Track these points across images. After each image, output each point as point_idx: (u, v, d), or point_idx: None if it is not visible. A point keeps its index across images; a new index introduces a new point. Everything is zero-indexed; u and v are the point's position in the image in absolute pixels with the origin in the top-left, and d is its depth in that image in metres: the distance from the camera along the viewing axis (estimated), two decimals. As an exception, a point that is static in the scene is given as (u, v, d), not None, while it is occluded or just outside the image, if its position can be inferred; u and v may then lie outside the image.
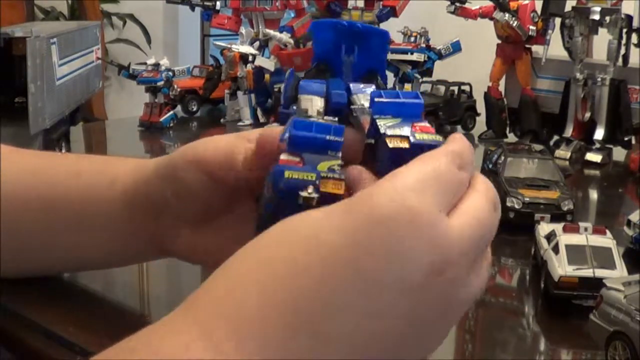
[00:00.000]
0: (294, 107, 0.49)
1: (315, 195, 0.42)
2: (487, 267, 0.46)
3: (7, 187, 0.63)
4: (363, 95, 0.48)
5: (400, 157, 0.43)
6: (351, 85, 0.49)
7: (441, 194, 0.41)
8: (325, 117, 0.46)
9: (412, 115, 0.46)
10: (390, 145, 0.43)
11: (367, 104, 0.47)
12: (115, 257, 0.67)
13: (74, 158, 0.75)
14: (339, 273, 0.38)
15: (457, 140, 0.45)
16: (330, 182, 0.43)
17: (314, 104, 0.47)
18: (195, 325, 0.38)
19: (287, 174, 0.42)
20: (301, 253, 0.39)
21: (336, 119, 0.46)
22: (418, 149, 0.43)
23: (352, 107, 0.47)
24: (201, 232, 0.60)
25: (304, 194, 0.42)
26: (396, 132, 0.44)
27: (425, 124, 0.45)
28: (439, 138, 0.44)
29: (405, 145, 0.43)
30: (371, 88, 0.49)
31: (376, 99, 0.46)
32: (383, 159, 0.44)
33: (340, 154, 0.44)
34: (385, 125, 0.45)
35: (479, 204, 0.44)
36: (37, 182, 0.64)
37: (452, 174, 0.43)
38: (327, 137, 0.43)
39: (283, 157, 0.43)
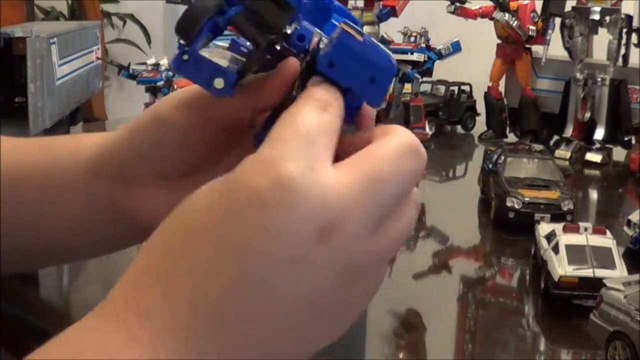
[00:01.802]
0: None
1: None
2: (407, 221, 0.40)
3: None
4: None
5: (346, 51, 0.41)
6: None
7: (311, 149, 0.37)
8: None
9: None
10: (344, 28, 0.40)
11: None
12: (85, 240, 0.61)
13: (45, 139, 0.71)
14: (207, 253, 0.37)
15: (317, 86, 0.41)
16: None
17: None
18: (113, 319, 0.37)
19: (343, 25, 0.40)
20: (177, 240, 0.38)
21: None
22: (367, 47, 0.41)
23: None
24: (181, 192, 0.51)
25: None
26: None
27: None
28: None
29: (360, 38, 0.40)
30: None
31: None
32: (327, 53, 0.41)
33: None
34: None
35: (379, 153, 0.39)
36: (8, 162, 0.61)
37: (316, 121, 0.39)
38: None
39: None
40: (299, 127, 0.38)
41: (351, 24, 0.41)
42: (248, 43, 0.44)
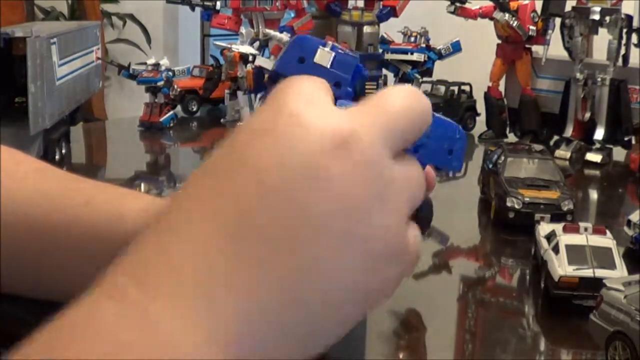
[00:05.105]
0: None
1: (332, 52, 0.40)
2: (417, 173, 0.41)
3: (23, 210, 0.60)
4: None
5: None
6: None
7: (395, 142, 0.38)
8: None
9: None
10: None
11: None
12: None
13: (89, 185, 0.69)
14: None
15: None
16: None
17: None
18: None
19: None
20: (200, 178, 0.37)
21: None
22: None
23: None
24: None
25: (325, 48, 0.40)
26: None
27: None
28: None
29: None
30: None
31: None
32: None
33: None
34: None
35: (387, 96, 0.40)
36: (51, 207, 0.61)
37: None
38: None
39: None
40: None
41: None
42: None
